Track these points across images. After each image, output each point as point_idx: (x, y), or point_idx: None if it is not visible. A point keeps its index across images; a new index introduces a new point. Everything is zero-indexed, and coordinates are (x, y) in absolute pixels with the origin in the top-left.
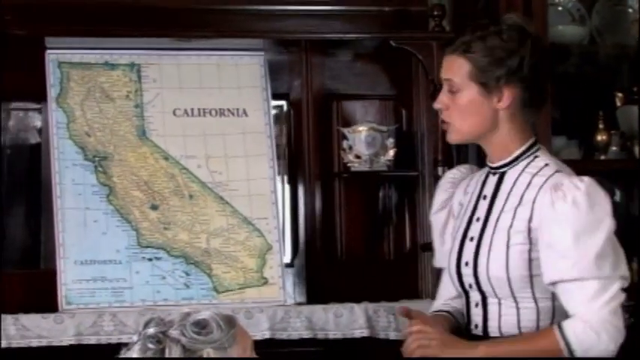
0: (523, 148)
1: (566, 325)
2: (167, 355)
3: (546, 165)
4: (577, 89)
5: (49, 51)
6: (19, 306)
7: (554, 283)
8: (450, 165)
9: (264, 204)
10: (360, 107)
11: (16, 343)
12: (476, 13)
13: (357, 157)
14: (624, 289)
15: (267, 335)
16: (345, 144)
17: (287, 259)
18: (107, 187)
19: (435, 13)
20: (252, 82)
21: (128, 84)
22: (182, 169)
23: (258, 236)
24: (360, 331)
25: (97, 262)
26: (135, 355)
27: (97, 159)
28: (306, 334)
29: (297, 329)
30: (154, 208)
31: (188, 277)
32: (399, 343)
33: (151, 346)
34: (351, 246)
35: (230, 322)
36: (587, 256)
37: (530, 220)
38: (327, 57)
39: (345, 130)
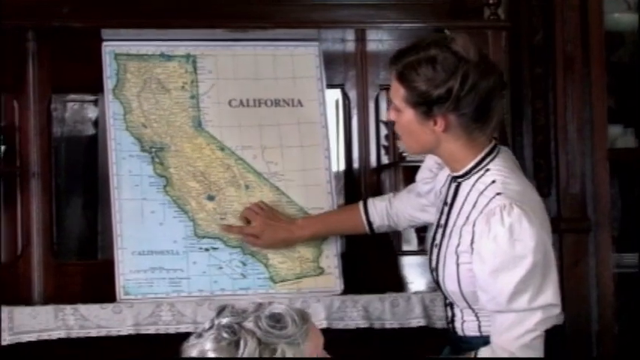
0: (476, 160)
1: (481, 354)
2: (242, 347)
3: (492, 182)
4: (632, 77)
5: (105, 43)
6: (77, 296)
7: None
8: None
9: (319, 194)
10: None
11: (75, 333)
12: (531, 1)
13: None
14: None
15: (324, 325)
16: None
17: (343, 248)
18: (164, 178)
19: (491, 1)
20: (307, 72)
21: (184, 75)
22: (238, 160)
23: None
24: (416, 321)
25: (155, 253)
26: (208, 344)
27: (153, 150)
28: (362, 324)
29: (353, 319)
30: (211, 198)
31: (245, 267)
32: None
33: (225, 336)
34: (406, 235)
35: (304, 317)
36: (503, 293)
37: (472, 242)
38: (382, 47)
39: None
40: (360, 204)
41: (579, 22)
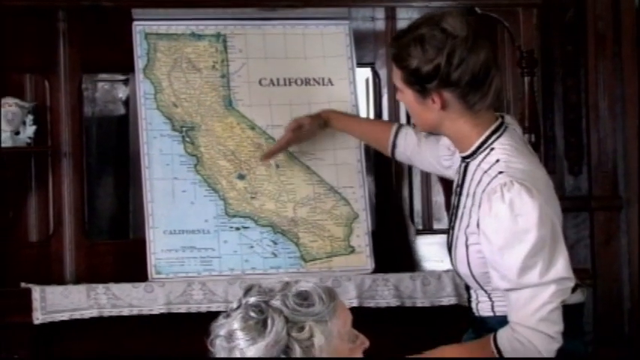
0: (481, 139)
1: (500, 335)
2: (269, 325)
3: (496, 161)
4: None
5: (135, 22)
6: (109, 275)
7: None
8: (536, 132)
9: (350, 173)
10: None
11: (107, 312)
12: None
13: None
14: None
15: (354, 303)
16: None
17: (373, 227)
18: (195, 157)
19: None
20: (337, 51)
21: (214, 54)
22: (268, 139)
23: (345, 205)
24: (447, 299)
25: (186, 232)
26: (236, 323)
27: (184, 129)
28: (393, 302)
29: (384, 297)
30: (241, 177)
31: (275, 246)
32: None
33: (253, 315)
34: (437, 214)
35: (330, 294)
36: (512, 269)
37: (478, 223)
38: None
39: None
40: (395, 125)
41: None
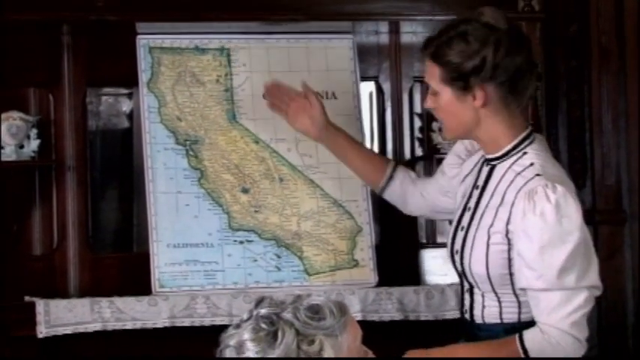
0: (514, 142)
1: (527, 335)
2: (280, 337)
3: (531, 165)
4: None
5: (139, 36)
6: (113, 289)
7: (522, 289)
8: None
9: (353, 186)
10: None
11: (111, 326)
12: None
13: None
14: (596, 297)
15: (358, 317)
16: (434, 125)
17: (377, 240)
18: (198, 171)
19: None
20: (341, 65)
21: (218, 68)
22: (272, 153)
23: (349, 218)
24: (451, 313)
25: (190, 246)
26: (246, 334)
27: (188, 143)
28: (397, 316)
29: (388, 311)
30: (245, 191)
31: (279, 260)
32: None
33: (264, 326)
34: (440, 227)
35: (342, 309)
36: (552, 269)
37: (508, 222)
38: (415, 39)
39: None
40: (392, 164)
41: (614, 14)
